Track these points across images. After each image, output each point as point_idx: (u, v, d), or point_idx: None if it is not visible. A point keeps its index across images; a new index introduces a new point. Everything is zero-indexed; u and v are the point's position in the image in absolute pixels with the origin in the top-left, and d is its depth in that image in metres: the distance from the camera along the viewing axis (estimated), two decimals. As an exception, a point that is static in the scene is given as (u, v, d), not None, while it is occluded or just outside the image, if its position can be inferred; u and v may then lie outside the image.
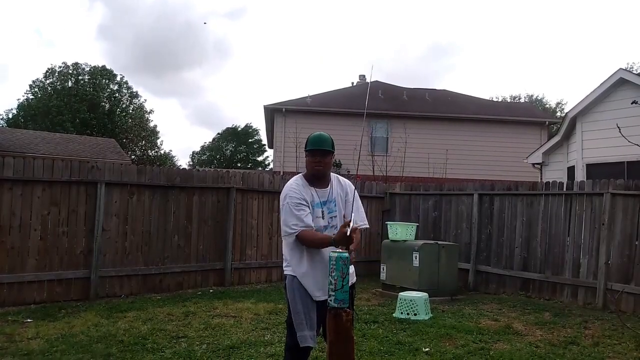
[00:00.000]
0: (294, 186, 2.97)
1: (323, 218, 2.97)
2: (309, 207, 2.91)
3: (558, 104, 40.29)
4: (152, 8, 68.08)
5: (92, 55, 68.07)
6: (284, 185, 3.00)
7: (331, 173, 3.11)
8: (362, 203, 3.22)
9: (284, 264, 3.02)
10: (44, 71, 37.33)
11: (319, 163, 2.95)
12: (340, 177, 3.16)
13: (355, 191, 3.07)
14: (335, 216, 3.01)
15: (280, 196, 3.01)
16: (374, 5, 72.92)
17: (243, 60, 79.19)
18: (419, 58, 73.47)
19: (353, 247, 2.58)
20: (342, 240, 2.59)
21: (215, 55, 75.12)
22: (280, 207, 2.98)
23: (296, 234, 2.83)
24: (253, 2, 77.53)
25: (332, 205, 3.01)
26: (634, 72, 20.04)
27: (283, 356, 3.25)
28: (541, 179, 12.80)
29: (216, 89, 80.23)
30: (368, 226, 3.13)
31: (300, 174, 3.08)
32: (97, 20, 62.83)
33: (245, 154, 45.59)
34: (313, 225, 2.88)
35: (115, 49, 64.37)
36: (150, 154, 38.08)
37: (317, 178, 3.00)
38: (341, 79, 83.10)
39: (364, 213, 3.09)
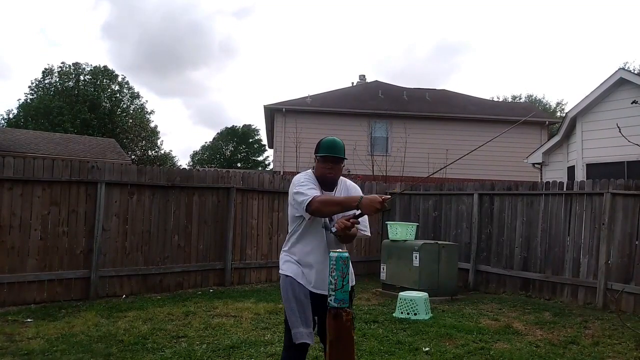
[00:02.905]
0: (306, 177, 2.93)
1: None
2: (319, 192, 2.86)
3: (558, 104, 40.36)
4: (157, 7, 68.16)
5: (96, 55, 68.08)
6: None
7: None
8: None
9: (281, 262, 3.00)
10: (42, 71, 37.27)
11: (331, 170, 2.92)
12: (348, 180, 3.11)
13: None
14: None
15: (291, 186, 2.93)
16: (379, 5, 72.93)
17: (247, 59, 79.30)
18: (423, 58, 73.60)
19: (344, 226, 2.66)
20: (369, 207, 2.57)
21: (220, 55, 75.28)
22: (292, 194, 2.87)
23: (311, 198, 2.72)
24: (262, 0, 77.50)
25: None
26: (633, 71, 20.02)
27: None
28: (541, 178, 12.81)
29: (219, 88, 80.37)
30: (369, 235, 3.06)
31: (310, 170, 3.02)
32: (102, 19, 62.90)
33: (245, 154, 45.60)
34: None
35: (120, 48, 64.53)
36: (151, 154, 38.08)
37: (326, 183, 2.96)
38: (341, 79, 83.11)
39: (367, 220, 3.01)
